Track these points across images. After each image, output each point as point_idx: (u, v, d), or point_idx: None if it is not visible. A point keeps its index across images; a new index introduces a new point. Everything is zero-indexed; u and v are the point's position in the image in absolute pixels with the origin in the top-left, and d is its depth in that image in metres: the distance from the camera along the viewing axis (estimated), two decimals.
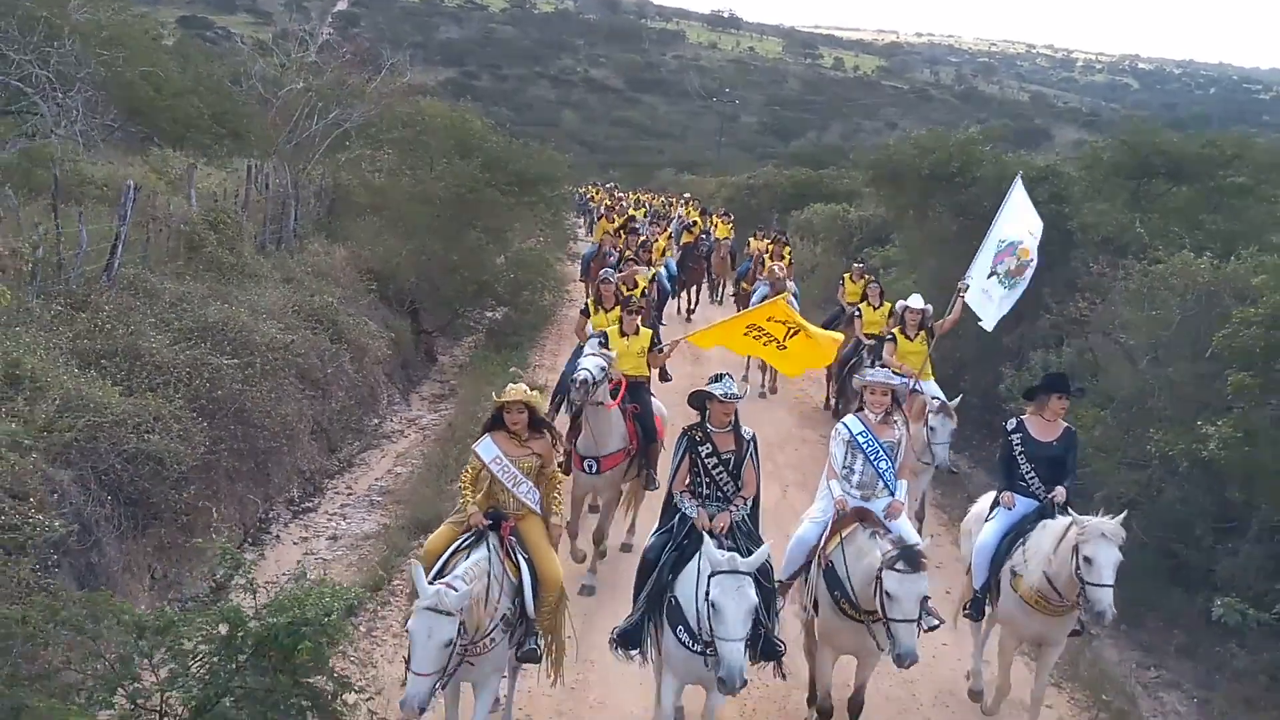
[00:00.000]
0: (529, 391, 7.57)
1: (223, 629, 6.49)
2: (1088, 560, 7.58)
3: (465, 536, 7.35)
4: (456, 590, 6.61)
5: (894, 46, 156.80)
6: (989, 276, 11.18)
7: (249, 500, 11.47)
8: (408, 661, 6.55)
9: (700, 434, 7.74)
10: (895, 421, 8.34)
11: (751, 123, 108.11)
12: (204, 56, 24.60)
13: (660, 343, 12.08)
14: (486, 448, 7.53)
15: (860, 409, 8.41)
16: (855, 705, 8.07)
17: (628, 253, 17.54)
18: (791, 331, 9.99)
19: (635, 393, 11.11)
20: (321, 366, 14.49)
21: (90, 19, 15.82)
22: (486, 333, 22.25)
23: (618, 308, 12.04)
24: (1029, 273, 11.03)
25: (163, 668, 6.51)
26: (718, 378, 7.75)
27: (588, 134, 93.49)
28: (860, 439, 8.15)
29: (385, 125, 23.07)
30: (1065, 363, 12.97)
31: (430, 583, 6.73)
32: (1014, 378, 13.43)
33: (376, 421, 16.24)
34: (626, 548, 11.44)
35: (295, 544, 11.76)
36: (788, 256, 20.37)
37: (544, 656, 7.69)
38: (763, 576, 7.28)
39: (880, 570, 7.17)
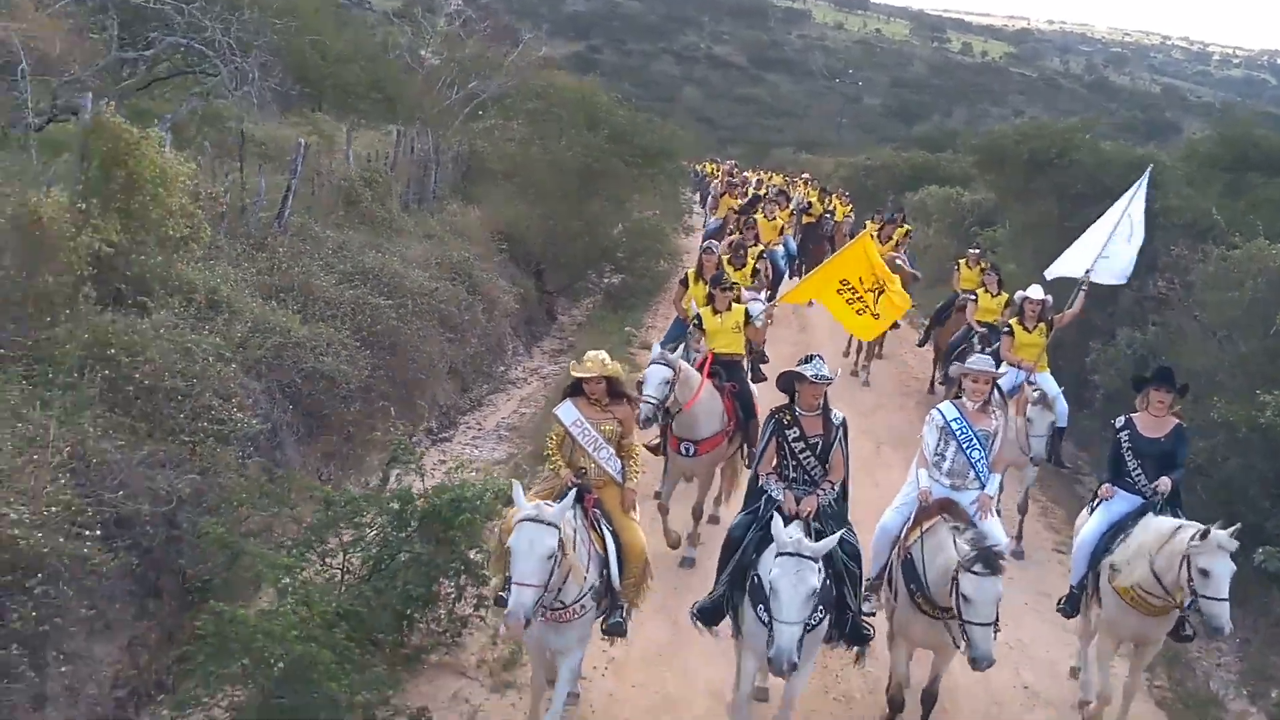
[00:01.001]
0: (606, 363, 7.45)
1: (395, 506, 7.95)
2: (1204, 573, 7.45)
3: None
4: (553, 506, 6.71)
5: (1024, 33, 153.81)
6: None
7: (398, 424, 12.97)
8: (508, 578, 6.63)
9: (788, 417, 7.62)
10: (994, 411, 8.20)
11: (874, 105, 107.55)
12: (360, 24, 26.31)
13: (755, 317, 11.96)
14: (567, 411, 7.46)
15: (958, 395, 8.31)
16: (929, 697, 7.88)
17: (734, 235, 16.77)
18: (878, 291, 10.97)
19: (731, 371, 11.05)
20: (459, 314, 15.95)
21: None
22: (604, 295, 23.64)
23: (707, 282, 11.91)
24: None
25: (346, 534, 8.01)
26: (809, 359, 7.63)
27: (708, 110, 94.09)
28: (954, 425, 8.00)
29: (519, 97, 24.53)
30: (1150, 340, 13.79)
31: None
32: (1099, 352, 14.26)
33: (503, 369, 17.71)
34: (714, 520, 11.32)
35: (434, 467, 13.27)
36: (896, 237, 20.34)
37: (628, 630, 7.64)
38: (851, 559, 7.40)
39: (957, 571, 7.08)
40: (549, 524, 6.53)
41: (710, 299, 11.45)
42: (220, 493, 8.37)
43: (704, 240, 22.47)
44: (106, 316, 9.14)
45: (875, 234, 19.83)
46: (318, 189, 15.60)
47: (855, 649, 7.72)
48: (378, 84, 18.70)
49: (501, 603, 7.10)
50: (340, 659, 6.00)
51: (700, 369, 10.71)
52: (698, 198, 42.24)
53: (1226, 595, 7.43)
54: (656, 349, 10.54)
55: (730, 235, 17.30)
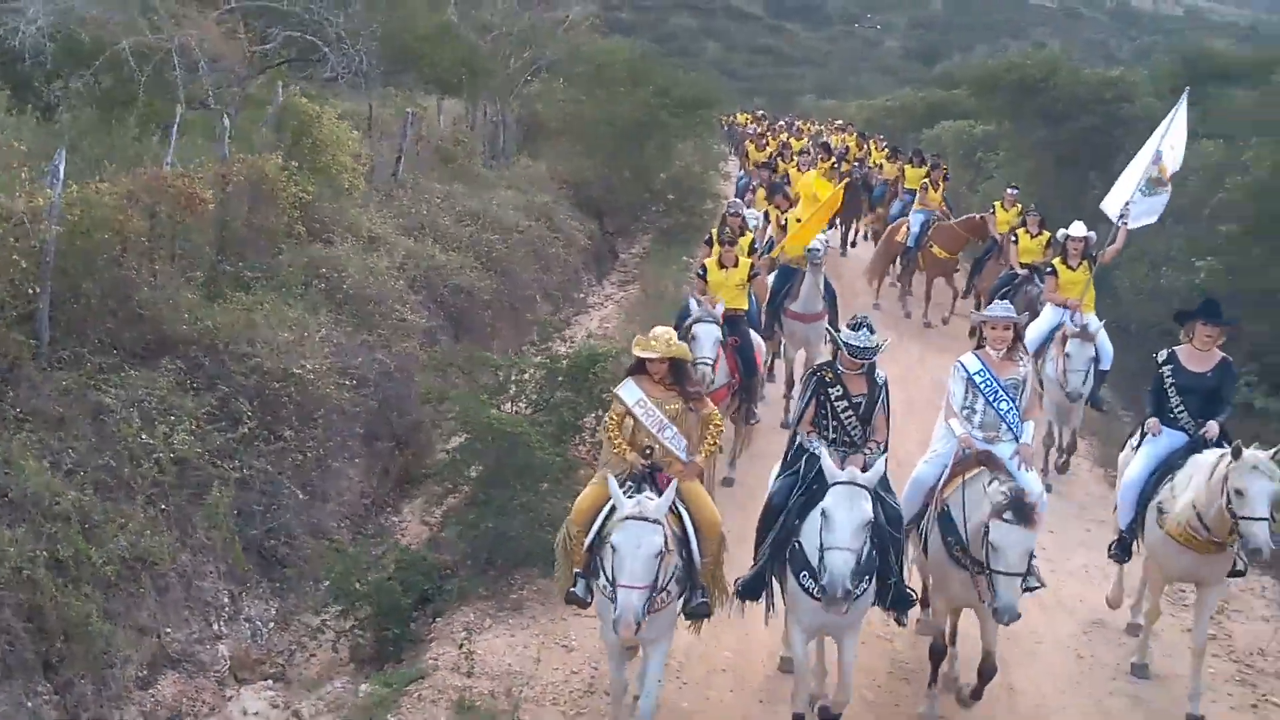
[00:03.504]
0: (672, 343, 7.13)
1: (549, 363, 11.03)
2: (1239, 493, 7.14)
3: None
4: (654, 500, 6.51)
5: None
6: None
7: (511, 334, 16.07)
8: (613, 581, 6.37)
9: (830, 374, 7.32)
10: (1020, 358, 7.91)
11: (894, 47, 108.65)
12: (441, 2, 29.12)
13: (758, 270, 11.86)
14: (629, 390, 7.13)
15: (980, 346, 8.10)
16: (985, 672, 7.48)
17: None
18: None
19: (734, 326, 11.00)
20: (544, 249, 19.06)
21: None
22: (659, 232, 26.50)
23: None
24: (1166, 193, 11.50)
25: (512, 389, 11.12)
26: (855, 326, 7.28)
27: (729, 63, 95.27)
28: (978, 379, 7.63)
29: (569, 62, 27.43)
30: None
31: (588, 550, 6.86)
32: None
33: (582, 295, 20.82)
34: (728, 482, 11.21)
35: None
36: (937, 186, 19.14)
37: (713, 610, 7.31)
38: (894, 526, 7.13)
39: (988, 519, 6.80)
40: (654, 521, 6.36)
41: (719, 254, 11.33)
42: (416, 365, 11.57)
43: (736, 193, 23.05)
44: (315, 247, 12.34)
45: (927, 180, 19.25)
46: (421, 151, 18.71)
47: (897, 614, 7.50)
48: (465, 61, 21.57)
49: (573, 599, 7.11)
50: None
51: None
52: (731, 150, 44.54)
53: (1263, 514, 7.10)
54: (693, 304, 10.64)
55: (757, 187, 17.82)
